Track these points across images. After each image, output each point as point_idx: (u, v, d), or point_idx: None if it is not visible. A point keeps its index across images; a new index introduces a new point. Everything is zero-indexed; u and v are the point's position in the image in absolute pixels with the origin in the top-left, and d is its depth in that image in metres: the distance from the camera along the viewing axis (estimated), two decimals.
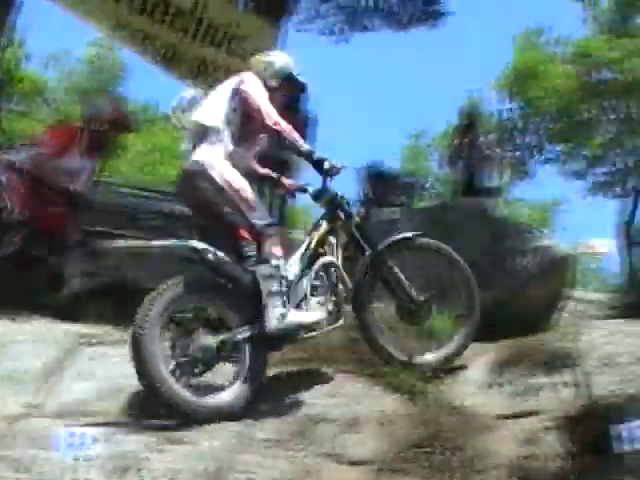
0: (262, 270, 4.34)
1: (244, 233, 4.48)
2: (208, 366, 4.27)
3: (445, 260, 5.00)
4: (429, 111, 48.10)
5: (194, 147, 4.62)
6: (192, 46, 8.55)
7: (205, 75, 8.59)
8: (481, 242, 6.35)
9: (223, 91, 4.72)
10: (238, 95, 4.63)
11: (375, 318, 4.82)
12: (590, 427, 3.68)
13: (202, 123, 4.61)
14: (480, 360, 4.93)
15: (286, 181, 5.26)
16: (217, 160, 4.51)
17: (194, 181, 4.50)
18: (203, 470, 3.45)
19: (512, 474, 3.61)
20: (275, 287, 4.33)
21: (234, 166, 4.54)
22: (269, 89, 4.74)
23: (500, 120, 20.77)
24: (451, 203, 8.40)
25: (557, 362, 4.58)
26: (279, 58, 4.96)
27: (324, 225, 4.82)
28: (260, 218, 4.48)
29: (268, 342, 4.39)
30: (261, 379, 4.35)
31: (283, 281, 4.40)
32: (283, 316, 4.31)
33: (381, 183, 10.68)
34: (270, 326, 4.29)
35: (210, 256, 4.33)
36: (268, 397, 4.36)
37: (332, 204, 4.87)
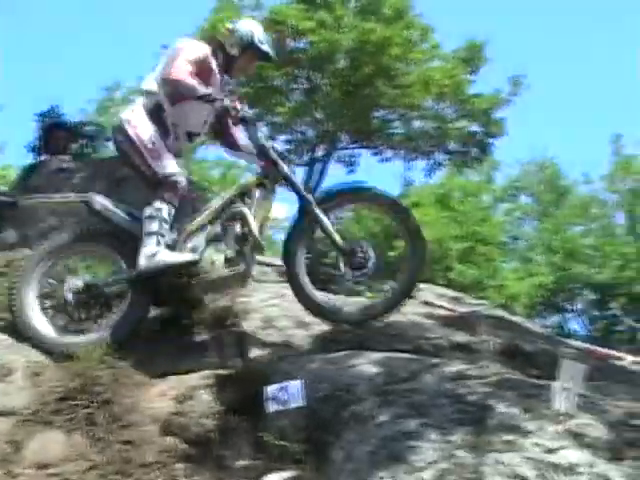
0: (145, 211, 4.54)
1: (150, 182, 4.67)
2: (77, 308, 4.52)
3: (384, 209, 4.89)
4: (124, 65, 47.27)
5: None
6: None
7: None
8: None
9: (163, 57, 4.87)
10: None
11: (302, 269, 4.68)
12: (243, 387, 3.81)
13: (141, 87, 4.90)
14: None
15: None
16: (135, 116, 4.74)
17: (115, 135, 4.80)
18: None
19: (164, 430, 3.63)
20: (152, 227, 4.50)
21: (173, 124, 4.79)
22: (230, 56, 4.91)
23: None
24: None
25: (218, 322, 4.65)
26: (243, 25, 5.01)
27: (249, 177, 4.96)
28: (163, 167, 4.63)
29: (144, 286, 4.52)
30: (131, 324, 4.48)
31: (163, 223, 4.52)
32: (153, 255, 4.44)
33: (57, 132, 10.32)
34: (139, 264, 4.44)
35: (98, 206, 4.63)
36: None
37: (260, 154, 4.82)
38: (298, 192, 4.71)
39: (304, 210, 4.65)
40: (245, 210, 4.61)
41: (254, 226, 4.56)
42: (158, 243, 4.48)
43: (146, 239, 4.48)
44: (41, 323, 4.46)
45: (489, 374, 3.58)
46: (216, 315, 4.71)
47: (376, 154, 21.39)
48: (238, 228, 4.61)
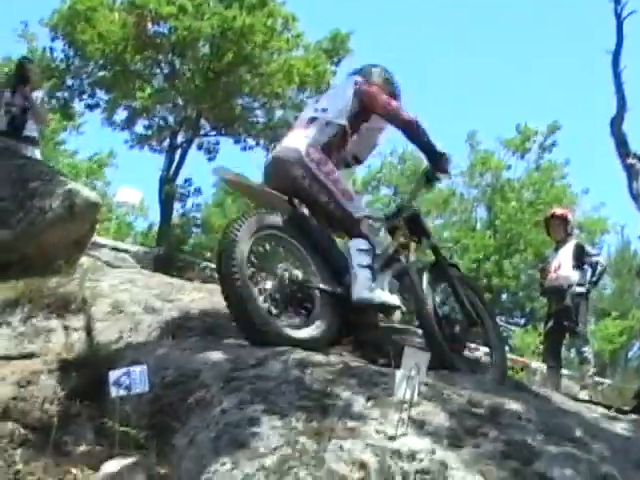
0: (357, 243, 4.48)
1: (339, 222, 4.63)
2: (284, 299, 4.26)
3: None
4: None
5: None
6: None
7: None
8: (6, 180, 6.08)
9: (342, 90, 4.90)
10: (359, 94, 4.76)
11: None
12: (88, 372, 3.76)
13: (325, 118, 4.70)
14: None
15: None
16: (314, 151, 4.56)
17: (286, 167, 4.56)
18: None
19: (5, 416, 3.53)
20: (366, 261, 4.44)
21: (342, 158, 4.84)
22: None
23: (52, 58, 20.00)
24: None
25: (65, 306, 4.58)
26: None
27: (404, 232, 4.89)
28: (357, 209, 4.63)
29: (345, 307, 4.41)
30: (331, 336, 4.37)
31: (375, 260, 4.50)
32: (371, 289, 4.38)
33: None
34: (359, 293, 4.35)
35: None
36: None
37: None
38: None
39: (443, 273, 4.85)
40: (413, 271, 4.71)
41: (419, 289, 4.60)
42: (373, 279, 4.43)
43: (361, 270, 4.40)
44: (260, 301, 4.13)
45: (334, 362, 3.67)
46: (63, 299, 4.62)
47: (237, 142, 21.40)
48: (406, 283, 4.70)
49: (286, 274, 4.31)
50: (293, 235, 4.42)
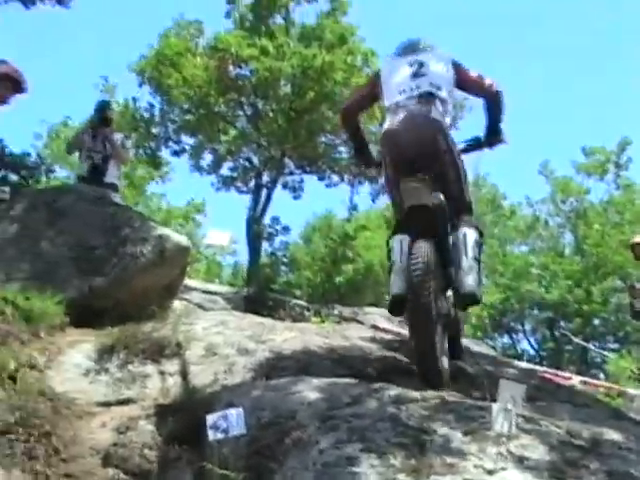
0: (474, 234, 4.41)
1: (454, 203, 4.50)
2: None
3: None
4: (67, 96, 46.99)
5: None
6: None
7: None
8: (100, 228, 6.23)
9: (442, 68, 4.80)
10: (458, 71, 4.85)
11: None
12: (185, 416, 3.77)
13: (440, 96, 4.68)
14: (83, 346, 4.81)
15: None
16: (449, 129, 4.64)
17: (435, 134, 4.51)
18: None
19: (106, 462, 3.57)
20: (478, 255, 4.40)
21: None
22: None
23: (135, 107, 20.62)
24: (67, 187, 8.25)
25: (160, 351, 4.64)
26: None
27: None
28: (470, 194, 4.69)
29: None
30: None
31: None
32: (479, 284, 4.35)
33: None
34: (472, 288, 4.27)
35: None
36: None
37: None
38: None
39: None
40: None
41: None
42: (479, 273, 4.41)
43: (475, 264, 4.35)
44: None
45: (430, 397, 3.60)
46: (157, 344, 4.68)
47: (322, 179, 21.51)
48: None
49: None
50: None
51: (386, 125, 4.65)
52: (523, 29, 52.88)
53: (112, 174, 8.47)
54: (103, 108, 8.89)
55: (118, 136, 8.82)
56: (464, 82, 4.87)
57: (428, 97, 4.63)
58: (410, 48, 4.92)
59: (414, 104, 4.61)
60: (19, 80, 6.26)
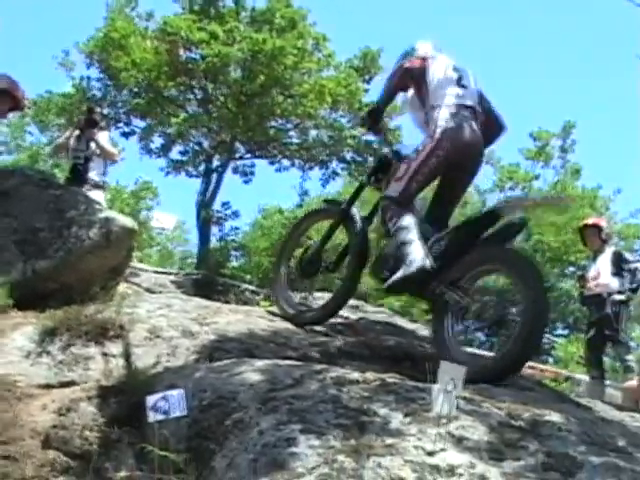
0: None
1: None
2: None
3: None
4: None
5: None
6: None
7: None
8: (44, 210, 6.16)
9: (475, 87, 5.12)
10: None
11: None
12: (127, 398, 3.76)
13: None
14: (25, 329, 4.77)
15: None
16: None
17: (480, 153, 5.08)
18: None
19: (46, 444, 3.56)
20: None
21: None
22: None
23: (88, 88, 20.36)
24: (11, 169, 8.23)
25: (103, 333, 4.62)
26: None
27: None
28: None
29: None
30: None
31: None
32: None
33: None
34: None
35: None
36: None
37: None
38: None
39: None
40: None
41: None
42: None
43: None
44: None
45: (371, 379, 3.64)
46: (101, 326, 4.65)
47: (272, 164, 21.54)
48: None
49: None
50: None
51: (450, 122, 4.85)
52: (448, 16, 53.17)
53: (96, 173, 8.50)
54: (91, 110, 8.99)
55: (104, 134, 8.84)
56: None
57: (473, 111, 4.98)
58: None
59: (469, 114, 4.94)
60: (18, 97, 6.26)
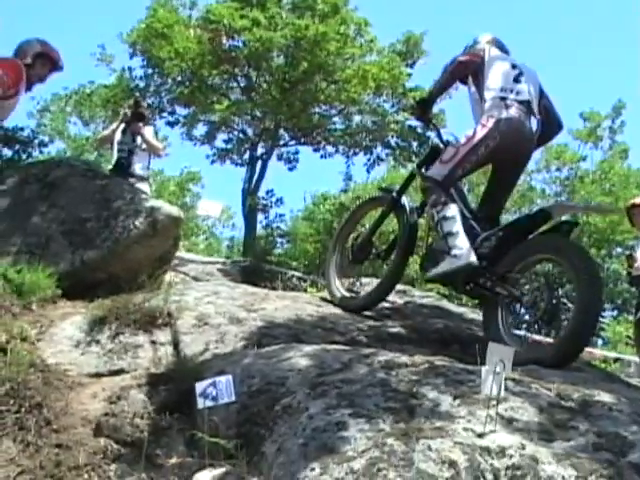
0: None
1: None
2: None
3: None
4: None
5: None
6: None
7: None
8: (91, 200, 6.21)
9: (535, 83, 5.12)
10: None
11: None
12: (177, 385, 3.79)
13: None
14: (74, 318, 4.82)
15: None
16: None
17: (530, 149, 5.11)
18: None
19: (97, 432, 3.59)
20: None
21: None
22: None
23: (131, 77, 20.55)
24: (58, 160, 8.29)
25: (151, 321, 4.65)
26: None
27: None
28: None
29: None
30: None
31: None
32: None
33: None
34: None
35: None
36: None
37: None
38: None
39: None
40: None
41: None
42: None
43: None
44: None
45: (419, 362, 3.62)
46: (149, 314, 4.68)
47: (316, 150, 21.49)
48: None
49: None
50: None
51: (504, 113, 4.88)
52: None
53: (141, 166, 8.59)
54: (138, 103, 9.07)
55: (150, 129, 8.92)
56: None
57: (528, 106, 4.99)
58: (504, 49, 5.34)
59: (524, 109, 4.97)
60: (54, 58, 6.41)
